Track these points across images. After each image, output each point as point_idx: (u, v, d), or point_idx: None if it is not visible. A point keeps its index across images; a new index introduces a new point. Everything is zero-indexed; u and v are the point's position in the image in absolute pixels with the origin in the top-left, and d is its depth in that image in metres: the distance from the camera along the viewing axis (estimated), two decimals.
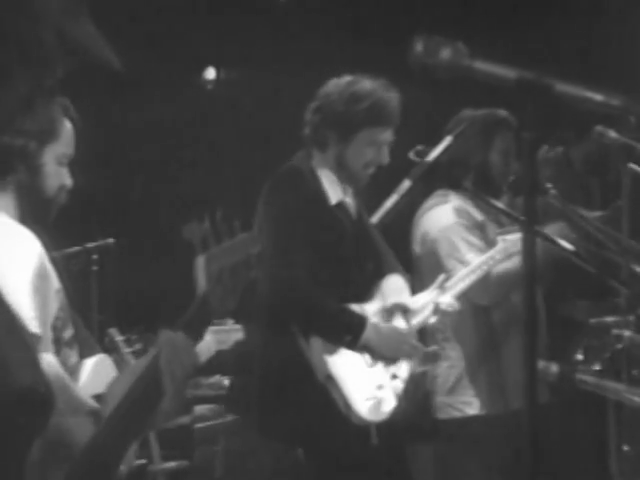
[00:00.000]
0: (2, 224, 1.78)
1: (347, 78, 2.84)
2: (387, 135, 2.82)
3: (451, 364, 3.11)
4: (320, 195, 2.81)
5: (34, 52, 1.16)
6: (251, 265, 1.56)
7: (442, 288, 2.87)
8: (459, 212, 3.10)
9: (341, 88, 2.81)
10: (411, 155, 2.60)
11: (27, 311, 1.68)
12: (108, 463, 1.47)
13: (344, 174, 2.84)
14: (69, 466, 1.45)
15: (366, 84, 2.81)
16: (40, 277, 1.74)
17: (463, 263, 3.00)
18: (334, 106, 2.79)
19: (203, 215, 1.56)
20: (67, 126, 1.93)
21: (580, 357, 2.93)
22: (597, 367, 2.83)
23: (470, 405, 3.09)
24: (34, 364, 1.31)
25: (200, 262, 1.55)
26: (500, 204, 2.97)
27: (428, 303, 2.87)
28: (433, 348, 3.04)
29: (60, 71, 1.17)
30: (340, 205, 2.85)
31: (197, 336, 1.55)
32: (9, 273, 1.66)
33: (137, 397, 1.49)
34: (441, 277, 2.89)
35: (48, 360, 1.69)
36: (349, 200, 2.90)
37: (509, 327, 3.07)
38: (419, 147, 2.60)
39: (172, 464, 3.54)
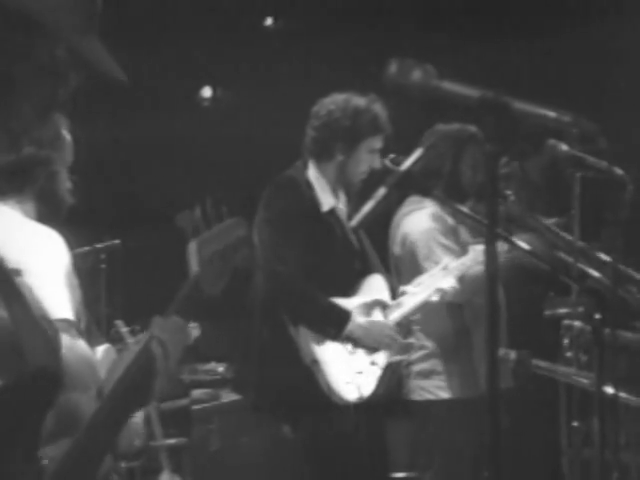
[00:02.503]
0: (32, 226, 1.81)
1: (341, 96, 2.89)
2: (380, 142, 2.89)
3: (427, 353, 3.14)
4: (313, 202, 2.86)
5: (48, 66, 1.16)
6: (238, 248, 1.52)
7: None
8: (435, 217, 3.14)
9: (342, 105, 2.86)
10: (386, 162, 2.64)
11: (65, 302, 1.70)
12: (107, 435, 1.47)
13: (343, 180, 2.88)
14: (75, 437, 1.45)
15: (361, 99, 2.88)
16: (69, 273, 1.77)
17: (438, 264, 3.02)
18: (341, 121, 2.84)
19: (194, 204, 1.53)
20: (68, 137, 1.95)
21: (567, 346, 2.96)
22: (583, 356, 2.86)
23: (443, 389, 3.12)
24: (48, 346, 1.32)
25: (192, 247, 1.52)
26: (465, 209, 3.00)
27: (411, 299, 2.91)
28: (409, 340, 3.06)
29: (72, 83, 1.18)
30: (332, 211, 2.90)
31: (190, 316, 1.52)
32: (45, 268, 1.68)
33: (133, 376, 1.48)
34: (434, 270, 2.94)
35: (82, 345, 1.70)
36: (341, 207, 2.94)
37: (479, 320, 3.10)
38: (392, 155, 2.64)
39: (172, 441, 3.54)
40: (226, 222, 1.54)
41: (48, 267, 1.72)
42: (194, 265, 1.52)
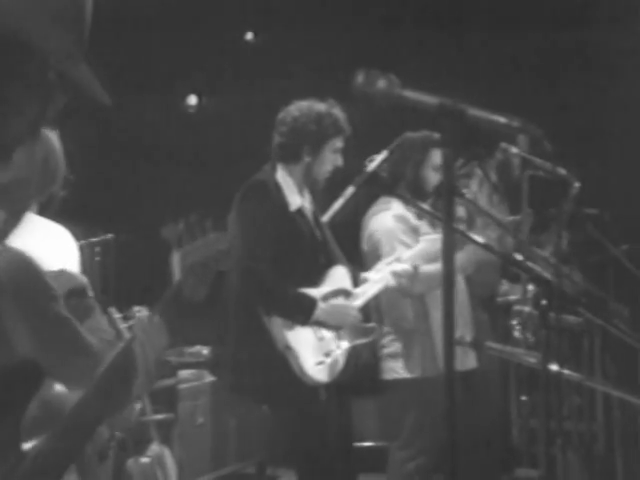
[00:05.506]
0: (43, 222, 1.79)
1: (303, 103, 2.88)
2: (342, 142, 2.88)
3: (395, 336, 3.15)
4: (282, 203, 2.83)
5: (39, 87, 1.17)
6: (219, 260, 1.51)
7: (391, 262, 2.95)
8: (398, 218, 3.15)
9: (306, 111, 2.85)
10: (367, 163, 2.64)
11: None
12: (85, 430, 1.41)
13: (309, 180, 2.87)
14: (54, 429, 1.39)
15: (322, 105, 2.88)
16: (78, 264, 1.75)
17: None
18: (307, 126, 2.82)
19: (179, 218, 1.51)
20: (57, 148, 1.87)
21: (517, 329, 2.96)
22: (531, 338, 2.86)
23: (407, 369, 3.12)
24: (33, 339, 1.28)
25: (176, 257, 1.51)
26: (426, 206, 3.00)
27: (372, 286, 2.91)
28: (370, 324, 3.06)
29: (60, 103, 1.18)
30: (299, 210, 2.87)
31: (171, 320, 1.48)
32: (63, 259, 1.65)
33: (113, 374, 1.42)
34: (389, 259, 2.97)
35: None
36: (307, 205, 2.92)
37: (437, 305, 3.09)
38: (373, 157, 2.65)
39: (161, 416, 3.51)
40: (209, 236, 1.51)
41: (70, 264, 1.70)
42: (177, 274, 1.50)
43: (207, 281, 1.50)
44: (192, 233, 1.49)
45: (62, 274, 1.55)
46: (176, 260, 1.50)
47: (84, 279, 1.66)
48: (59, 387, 1.50)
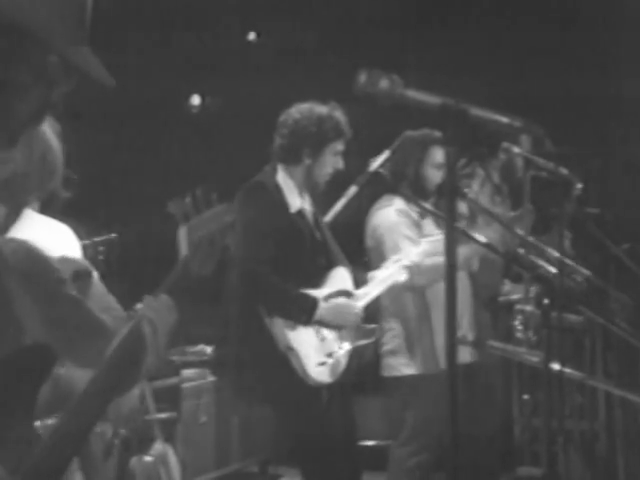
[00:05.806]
0: (45, 219, 1.80)
1: (304, 105, 2.87)
2: (342, 145, 2.87)
3: (394, 333, 3.15)
4: (282, 205, 2.83)
5: (42, 72, 1.17)
6: (226, 233, 1.47)
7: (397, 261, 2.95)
8: (400, 213, 3.15)
9: (307, 114, 2.84)
10: (370, 163, 2.65)
11: None
12: (96, 411, 1.39)
13: (310, 182, 2.86)
14: (65, 410, 1.38)
15: (323, 107, 2.86)
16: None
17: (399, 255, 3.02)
18: (308, 128, 2.81)
19: (185, 192, 1.47)
20: (55, 145, 1.87)
21: (519, 328, 2.96)
22: (533, 337, 2.86)
23: (407, 366, 3.11)
24: (46, 322, 1.29)
25: (182, 232, 1.46)
26: (428, 205, 3.00)
27: (375, 287, 2.91)
28: (372, 325, 3.06)
29: (63, 87, 1.18)
30: (299, 212, 2.87)
31: (179, 297, 1.44)
32: (64, 250, 1.65)
33: (122, 355, 1.39)
34: (395, 257, 2.97)
35: None
36: (307, 207, 2.92)
37: (438, 303, 3.09)
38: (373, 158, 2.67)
39: (164, 414, 3.51)
40: (215, 208, 1.48)
41: (70, 254, 1.70)
42: (184, 248, 1.46)
43: (214, 255, 1.46)
44: (198, 207, 1.46)
45: (64, 259, 1.54)
46: (182, 235, 1.46)
47: (86, 262, 1.64)
48: (69, 368, 1.49)
